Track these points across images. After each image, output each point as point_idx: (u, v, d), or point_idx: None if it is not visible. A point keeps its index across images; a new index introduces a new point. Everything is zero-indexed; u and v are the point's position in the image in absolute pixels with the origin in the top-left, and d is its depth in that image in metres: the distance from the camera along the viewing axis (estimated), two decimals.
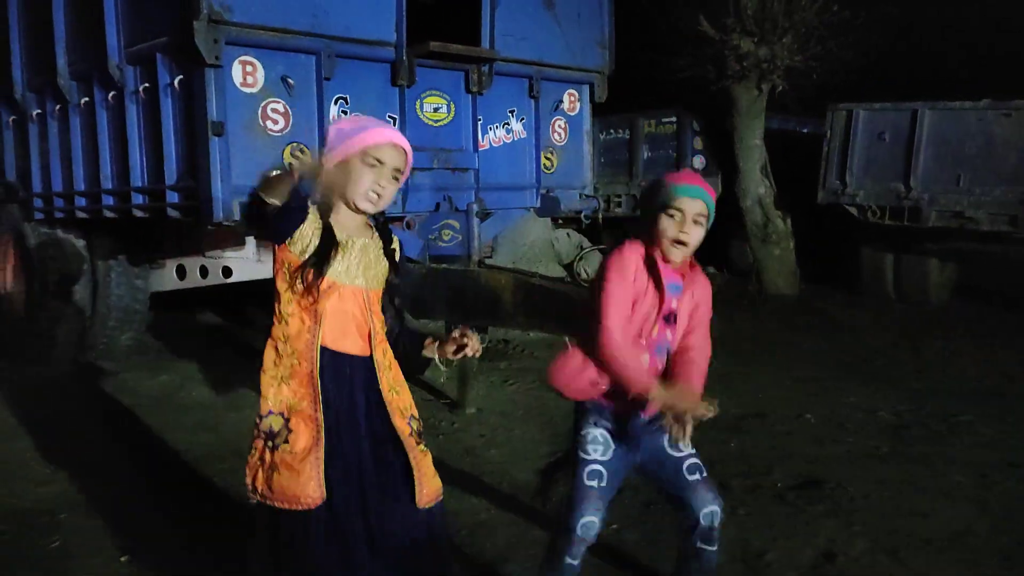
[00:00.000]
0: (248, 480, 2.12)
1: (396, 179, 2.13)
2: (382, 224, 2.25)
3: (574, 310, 4.15)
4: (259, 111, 4.60)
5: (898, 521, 3.31)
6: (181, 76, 4.62)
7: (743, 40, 9.28)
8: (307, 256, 2.05)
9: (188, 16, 4.30)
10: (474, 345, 2.20)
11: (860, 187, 8.64)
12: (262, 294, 2.55)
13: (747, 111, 9.60)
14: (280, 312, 2.11)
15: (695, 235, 2.32)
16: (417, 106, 5.34)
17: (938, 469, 3.91)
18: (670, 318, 2.39)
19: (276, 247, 2.10)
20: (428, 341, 2.29)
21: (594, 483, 2.43)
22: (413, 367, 2.35)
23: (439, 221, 5.45)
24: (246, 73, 4.54)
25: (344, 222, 2.13)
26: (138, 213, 5.21)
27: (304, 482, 2.04)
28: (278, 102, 4.66)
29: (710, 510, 2.43)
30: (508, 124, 5.90)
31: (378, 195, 2.10)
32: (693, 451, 2.46)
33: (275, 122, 4.66)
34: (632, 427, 2.44)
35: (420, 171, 5.35)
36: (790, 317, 7.82)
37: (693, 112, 10.40)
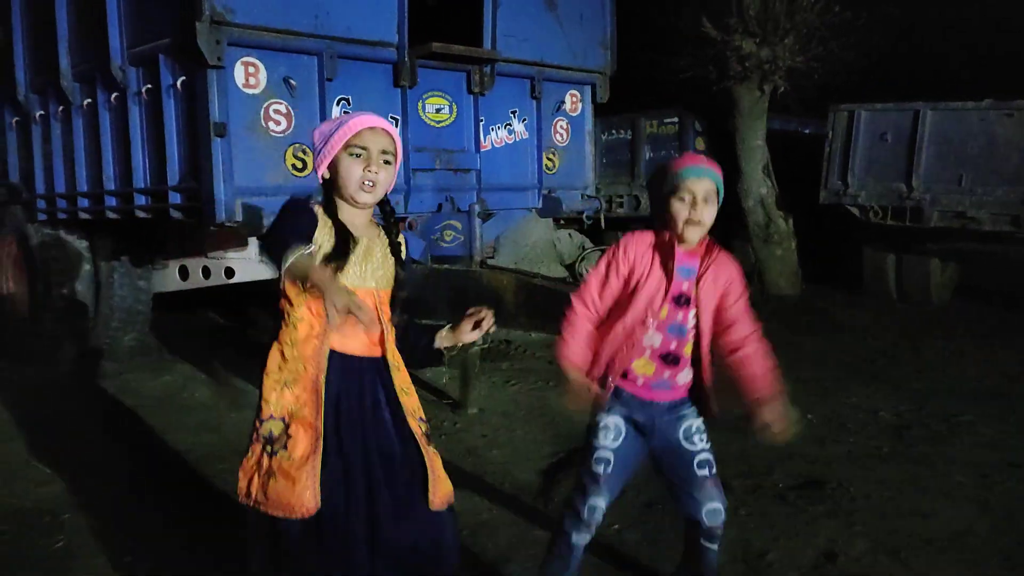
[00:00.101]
0: (242, 484, 2.08)
1: (388, 163, 2.09)
2: (389, 219, 2.22)
3: None
4: (261, 112, 4.61)
5: (899, 521, 3.32)
6: (183, 77, 4.63)
7: (745, 41, 9.28)
8: (323, 259, 2.01)
9: (190, 17, 4.31)
10: (489, 320, 2.20)
11: (862, 187, 8.64)
12: (265, 295, 2.55)
13: (749, 112, 9.60)
14: (289, 316, 2.07)
15: (707, 214, 2.33)
16: (419, 107, 5.36)
17: (939, 469, 3.91)
18: (681, 300, 2.38)
19: None
20: (441, 332, 2.26)
21: (600, 468, 2.46)
22: (422, 360, 2.34)
23: (441, 222, 5.46)
24: (248, 74, 4.56)
25: (347, 224, 2.10)
26: (141, 214, 5.22)
27: (300, 491, 1.99)
28: (280, 103, 4.68)
29: (713, 507, 2.44)
30: (510, 125, 5.91)
31: (372, 183, 2.06)
32: (707, 446, 2.48)
33: (277, 123, 4.67)
34: (650, 413, 2.45)
35: (422, 172, 5.37)
36: (792, 317, 7.81)
37: (695, 113, 10.39)
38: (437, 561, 2.17)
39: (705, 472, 2.45)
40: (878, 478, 3.80)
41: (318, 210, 2.08)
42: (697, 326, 2.41)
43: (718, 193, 2.36)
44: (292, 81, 4.69)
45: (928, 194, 8.20)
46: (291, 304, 2.08)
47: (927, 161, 8.23)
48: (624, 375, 2.44)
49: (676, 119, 10.53)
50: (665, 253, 2.37)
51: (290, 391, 2.06)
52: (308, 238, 1.99)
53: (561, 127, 6.23)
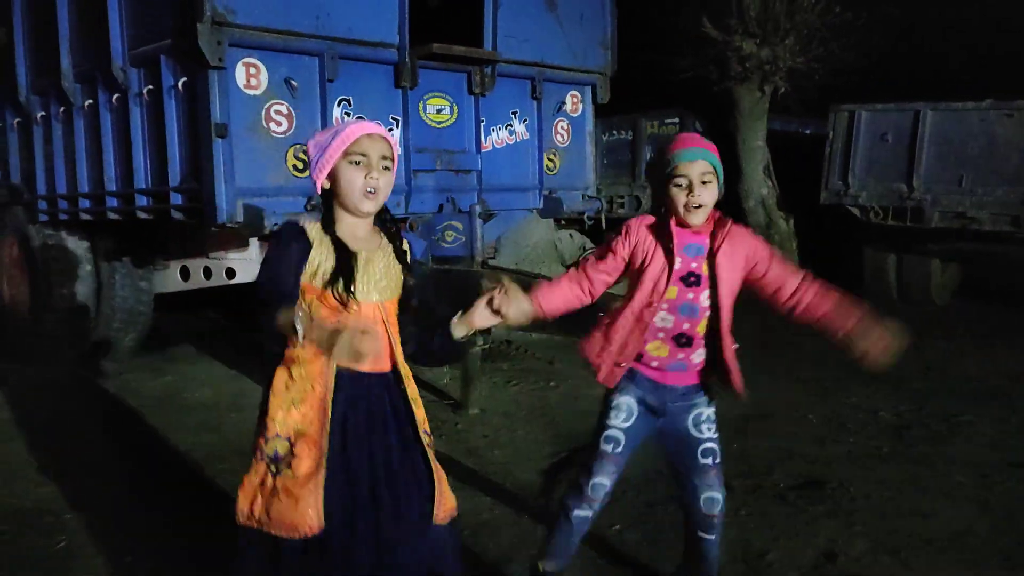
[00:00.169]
0: (243, 505, 2.03)
1: (388, 169, 2.08)
2: (390, 227, 2.20)
3: (576, 310, 4.16)
4: (263, 113, 4.62)
5: (899, 521, 3.32)
6: (185, 78, 4.64)
7: (745, 42, 9.29)
8: (325, 279, 2.00)
9: (192, 18, 4.32)
10: (507, 300, 2.18)
11: (862, 188, 8.64)
12: None
13: (749, 112, 9.61)
14: (297, 335, 2.03)
15: (707, 195, 2.32)
16: (420, 108, 5.36)
17: (939, 469, 3.91)
18: (689, 279, 2.37)
19: None
20: (454, 322, 2.20)
21: (609, 448, 2.49)
22: (444, 356, 2.31)
23: (442, 222, 5.46)
24: (249, 75, 4.56)
25: (349, 236, 2.09)
26: (142, 215, 5.23)
27: (303, 509, 1.97)
28: (281, 104, 4.68)
29: (711, 495, 2.46)
30: (511, 125, 5.92)
31: (375, 190, 2.05)
32: (714, 436, 2.49)
33: (278, 124, 4.68)
34: (663, 397, 2.47)
35: (423, 172, 5.37)
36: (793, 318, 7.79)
37: (696, 113, 10.40)
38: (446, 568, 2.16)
39: (708, 461, 2.47)
40: (878, 478, 3.80)
41: (312, 228, 2.06)
42: (714, 304, 2.38)
43: (716, 172, 2.34)
44: (293, 82, 4.70)
45: (929, 194, 8.20)
46: (300, 323, 2.03)
47: (928, 161, 8.23)
48: (639, 358, 2.46)
49: (677, 119, 10.54)
50: (666, 235, 2.37)
51: (297, 410, 2.03)
52: (297, 276, 2.00)
53: (562, 128, 6.23)
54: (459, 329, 2.20)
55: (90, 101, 5.48)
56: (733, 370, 2.45)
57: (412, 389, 2.15)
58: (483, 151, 5.71)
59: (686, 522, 2.58)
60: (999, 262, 8.73)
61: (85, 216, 5.84)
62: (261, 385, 2.10)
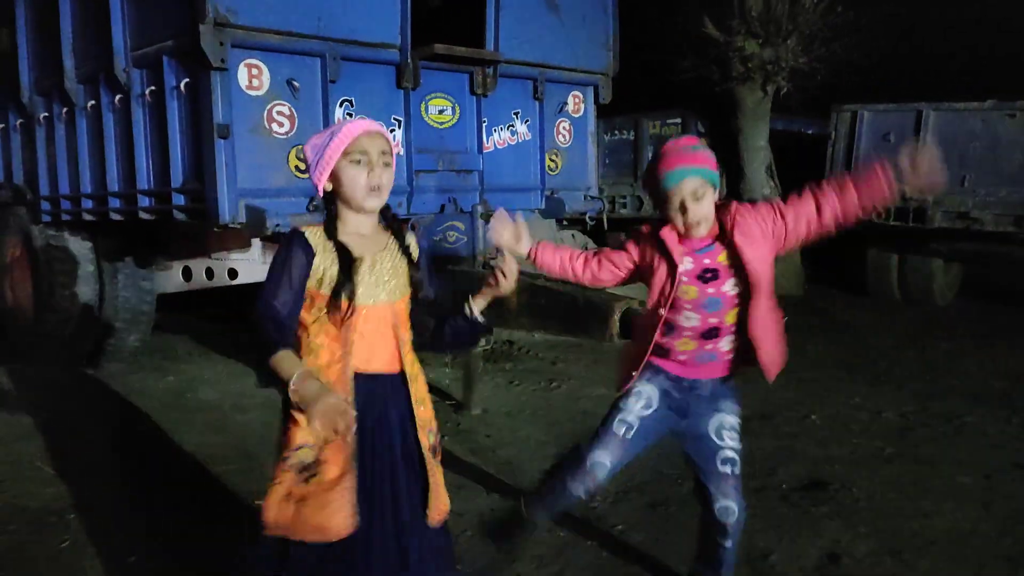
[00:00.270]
0: (271, 515, 2.02)
1: (388, 165, 2.09)
2: (393, 224, 2.20)
3: (578, 310, 4.17)
4: (264, 114, 4.62)
5: (903, 522, 3.32)
6: (187, 79, 4.64)
7: (748, 42, 9.29)
8: (329, 285, 2.02)
9: (194, 19, 4.32)
10: (511, 264, 2.19)
11: None
12: None
13: (752, 112, 9.61)
14: (309, 344, 2.06)
15: (703, 209, 2.32)
16: (422, 108, 5.36)
17: (943, 470, 3.91)
18: (705, 276, 2.36)
19: None
20: (471, 301, 2.22)
21: (620, 431, 2.48)
22: (469, 339, 2.31)
23: (444, 223, 5.46)
24: (251, 76, 4.56)
25: (354, 237, 2.10)
26: (144, 215, 5.23)
27: (332, 513, 1.98)
28: (283, 105, 4.68)
29: (726, 505, 2.45)
30: (512, 126, 5.91)
31: (378, 186, 2.07)
32: (735, 445, 2.47)
33: (280, 124, 4.68)
34: (687, 397, 2.47)
35: (425, 173, 5.37)
36: (795, 318, 7.80)
37: (698, 113, 10.39)
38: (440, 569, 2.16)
39: (727, 469, 2.46)
40: (881, 479, 3.80)
41: (314, 234, 2.06)
42: (744, 288, 2.35)
43: (711, 182, 2.33)
44: (295, 83, 4.70)
45: (931, 195, 8.19)
46: (308, 333, 2.07)
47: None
48: (666, 353, 2.46)
49: (679, 120, 10.53)
50: (667, 243, 2.38)
51: None
52: (300, 292, 2.02)
53: (564, 128, 6.23)
54: (478, 305, 2.22)
55: (93, 102, 5.49)
56: (765, 359, 2.40)
57: (419, 389, 2.16)
58: (485, 151, 5.71)
59: (703, 524, 2.58)
60: (1002, 262, 8.73)
61: (88, 216, 5.84)
62: (278, 393, 2.08)
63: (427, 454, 2.13)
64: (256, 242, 5.71)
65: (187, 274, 6.21)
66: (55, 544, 3.23)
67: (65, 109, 5.80)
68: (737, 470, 2.47)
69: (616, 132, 10.94)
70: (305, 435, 2.01)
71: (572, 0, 5.98)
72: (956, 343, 6.87)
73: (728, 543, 2.52)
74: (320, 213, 2.15)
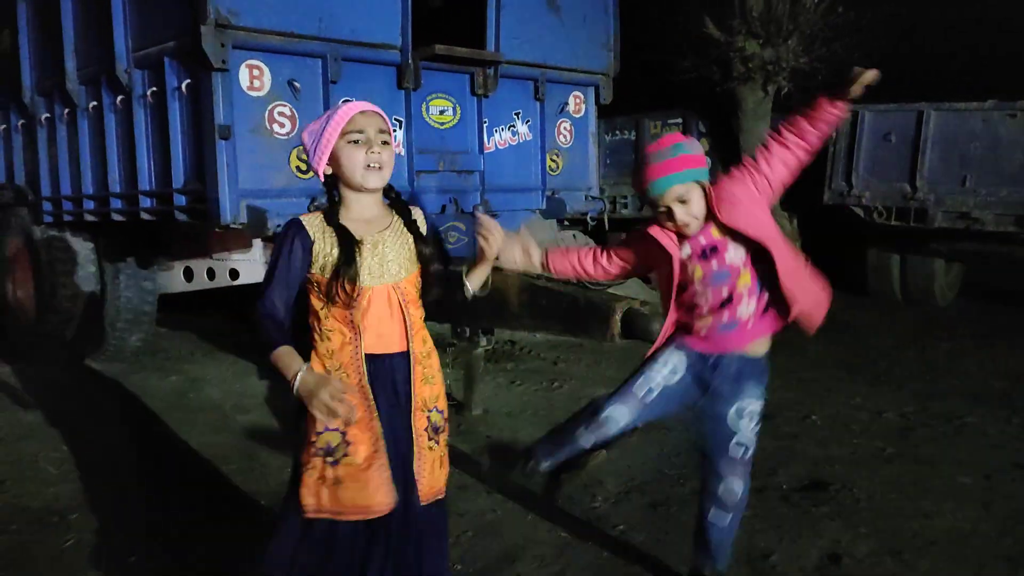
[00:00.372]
0: (309, 500, 2.07)
1: (386, 143, 2.10)
2: (397, 202, 2.21)
3: (579, 311, 4.17)
4: (266, 114, 4.63)
5: (903, 522, 3.32)
6: (188, 80, 4.65)
7: (748, 42, 9.29)
8: (331, 270, 2.05)
9: (195, 21, 4.32)
10: (493, 231, 2.21)
11: (866, 188, 8.64)
12: None
13: (753, 112, 9.61)
14: (320, 329, 2.10)
15: (692, 210, 2.36)
16: (423, 109, 5.37)
17: (944, 471, 3.91)
18: (705, 254, 2.40)
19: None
20: (469, 279, 2.26)
21: (641, 393, 2.50)
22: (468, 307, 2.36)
23: (445, 223, 5.47)
24: (253, 77, 4.57)
25: (357, 219, 2.12)
26: (146, 216, 5.24)
27: (373, 491, 2.05)
28: (285, 105, 4.69)
29: (732, 486, 2.49)
30: (513, 126, 5.92)
31: (379, 164, 2.08)
32: (753, 432, 2.49)
33: (282, 125, 4.69)
34: (711, 374, 2.48)
35: (426, 173, 5.38)
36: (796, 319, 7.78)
37: (698, 113, 10.39)
38: (419, 555, 2.19)
39: (739, 454, 2.48)
40: (882, 479, 3.80)
41: (312, 221, 2.09)
42: (748, 254, 2.38)
43: (696, 181, 2.35)
44: (296, 83, 4.70)
45: (932, 195, 8.20)
46: (319, 318, 2.10)
47: (931, 162, 8.23)
48: (689, 331, 2.49)
49: (680, 120, 10.54)
50: (659, 240, 2.43)
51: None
52: (297, 282, 2.07)
53: (565, 128, 6.23)
54: (476, 281, 2.25)
55: (94, 103, 5.50)
56: (799, 300, 2.39)
57: (428, 367, 2.18)
58: (486, 152, 5.72)
59: (699, 508, 2.60)
60: (1003, 262, 8.73)
61: (89, 217, 5.86)
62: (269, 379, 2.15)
63: (419, 435, 2.15)
64: (258, 243, 5.71)
65: (188, 274, 6.21)
66: (57, 544, 3.24)
67: (67, 110, 5.81)
68: (748, 455, 2.49)
69: (617, 132, 10.95)
70: (327, 419, 2.06)
71: (573, 0, 5.99)
72: (957, 343, 6.87)
73: (724, 523, 2.53)
74: (323, 210, 2.16)
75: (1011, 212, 7.79)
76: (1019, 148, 7.78)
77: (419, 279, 2.17)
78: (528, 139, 5.99)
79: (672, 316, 2.52)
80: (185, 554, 3.13)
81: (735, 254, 2.38)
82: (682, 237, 2.42)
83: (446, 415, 2.25)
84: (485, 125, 5.69)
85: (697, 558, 2.65)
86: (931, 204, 8.17)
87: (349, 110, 2.07)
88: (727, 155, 9.87)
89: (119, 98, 5.23)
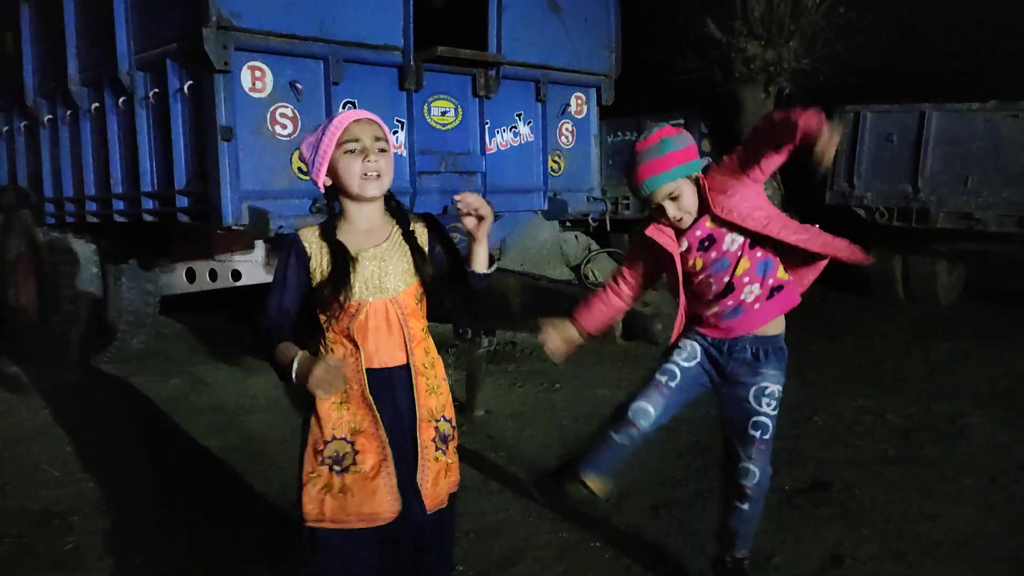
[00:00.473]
0: (311, 508, 2.07)
1: (384, 151, 2.09)
2: (397, 212, 2.19)
3: None
4: (268, 116, 4.63)
5: (906, 525, 3.31)
6: (191, 82, 4.65)
7: (750, 43, 9.30)
8: (327, 284, 2.05)
9: (197, 22, 4.33)
10: (476, 202, 2.10)
11: (868, 189, 8.63)
12: None
13: (754, 113, 9.61)
14: (324, 342, 2.12)
15: (682, 206, 2.40)
16: (425, 110, 5.37)
17: (947, 473, 3.90)
18: (703, 244, 2.43)
19: None
20: (472, 262, 2.17)
21: (663, 379, 2.53)
22: (483, 289, 2.27)
23: (447, 224, 5.46)
24: (255, 78, 4.57)
25: (357, 231, 2.11)
26: (148, 217, 5.24)
27: (380, 499, 2.06)
28: (286, 107, 4.69)
29: (746, 466, 2.50)
30: (515, 127, 5.92)
31: (376, 172, 2.06)
32: (771, 412, 2.49)
33: (284, 127, 4.69)
34: (726, 358, 2.51)
35: (427, 175, 5.38)
36: (797, 319, 7.77)
37: (700, 114, 10.39)
38: (426, 561, 2.20)
39: (757, 433, 2.49)
40: (885, 481, 3.79)
41: (309, 235, 2.09)
42: (746, 238, 2.41)
43: (685, 178, 2.37)
44: (298, 85, 4.71)
45: (934, 195, 8.19)
46: (323, 331, 2.12)
47: (933, 162, 8.22)
48: (700, 321, 2.54)
49: (682, 121, 10.51)
50: (657, 240, 2.47)
51: (347, 410, 2.09)
52: (300, 296, 2.08)
53: (566, 129, 6.23)
54: (480, 263, 2.17)
55: (96, 104, 5.50)
56: (813, 246, 2.43)
57: (431, 378, 2.18)
58: (487, 153, 5.71)
59: (722, 490, 2.63)
60: (1005, 263, 8.72)
61: (91, 219, 5.86)
62: (288, 395, 2.15)
63: (424, 446, 2.14)
64: (260, 244, 5.71)
65: (191, 276, 6.22)
66: (59, 546, 3.24)
67: (69, 112, 5.82)
68: (767, 436, 2.50)
69: (619, 133, 10.94)
70: (336, 428, 2.08)
71: (574, 2, 5.99)
72: (959, 344, 6.86)
73: (746, 506, 2.54)
74: (324, 214, 2.15)
75: (1013, 213, 7.78)
76: (1021, 149, 7.77)
77: (419, 290, 2.15)
78: (530, 140, 5.99)
79: (682, 309, 2.55)
80: (187, 556, 3.13)
81: (732, 242, 2.42)
82: (679, 232, 2.45)
83: (455, 423, 2.25)
84: (487, 126, 5.69)
85: (719, 545, 2.68)
86: (933, 205, 8.16)
87: (344, 119, 2.07)
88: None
89: (121, 100, 5.23)
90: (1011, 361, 6.22)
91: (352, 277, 2.05)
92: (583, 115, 6.33)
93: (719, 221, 2.40)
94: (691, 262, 2.46)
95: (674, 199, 2.37)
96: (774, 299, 2.47)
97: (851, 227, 8.90)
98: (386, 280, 2.09)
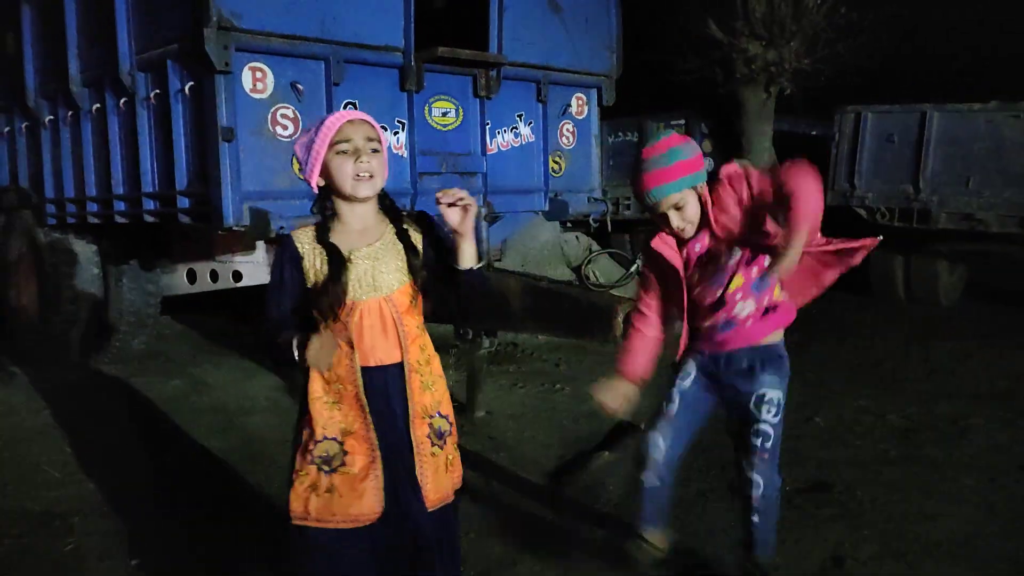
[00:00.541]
0: (297, 507, 2.09)
1: (377, 151, 2.09)
2: (390, 210, 2.19)
3: (581, 312, 4.17)
4: (269, 117, 4.63)
5: (907, 525, 3.31)
6: (191, 82, 4.65)
7: (751, 43, 9.29)
8: (320, 284, 2.06)
9: (198, 23, 4.33)
10: (461, 196, 2.07)
11: (869, 189, 8.63)
12: None
13: (756, 114, 9.61)
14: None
15: (686, 216, 2.40)
16: (425, 111, 5.37)
17: (947, 473, 3.90)
18: (702, 259, 2.45)
19: None
20: (459, 257, 2.12)
21: (666, 407, 2.58)
22: (480, 288, 2.20)
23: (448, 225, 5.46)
24: (256, 79, 4.57)
25: (350, 231, 2.12)
26: (149, 218, 5.25)
27: (366, 501, 2.07)
28: (287, 108, 4.69)
29: (751, 477, 2.50)
30: (516, 128, 5.92)
31: (368, 173, 2.07)
32: (773, 420, 2.48)
33: (284, 127, 4.69)
34: (718, 368, 2.53)
35: (428, 175, 5.38)
36: (799, 320, 7.76)
37: (701, 114, 10.39)
38: (435, 562, 2.19)
39: (758, 442, 2.49)
40: (885, 481, 3.79)
41: (302, 236, 2.11)
42: (744, 254, 2.41)
43: (689, 189, 2.37)
44: (299, 86, 4.70)
45: (935, 196, 8.19)
46: (319, 331, 2.10)
47: (934, 163, 8.22)
48: (698, 334, 2.55)
49: (683, 121, 10.54)
50: (663, 254, 2.49)
51: (339, 411, 2.11)
52: (296, 294, 2.10)
53: (567, 130, 6.23)
54: (467, 256, 2.13)
55: (98, 105, 5.51)
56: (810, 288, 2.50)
57: (426, 375, 2.18)
58: (488, 154, 5.71)
59: (738, 503, 2.64)
60: (1007, 263, 8.71)
61: (92, 219, 5.87)
62: (290, 394, 2.16)
63: (420, 442, 2.14)
64: (261, 245, 5.71)
65: (192, 277, 6.22)
66: (59, 547, 3.24)
67: (70, 112, 5.82)
68: (768, 444, 2.49)
69: (620, 134, 10.95)
70: (327, 429, 2.09)
71: (575, 2, 5.98)
72: (960, 344, 6.85)
73: (755, 518, 2.54)
74: (321, 213, 2.16)
75: (1014, 213, 7.78)
76: (1022, 149, 7.77)
77: (413, 289, 2.15)
78: (531, 141, 5.99)
79: (685, 324, 2.56)
80: (187, 558, 3.13)
81: (729, 258, 2.43)
82: (682, 243, 2.47)
83: (452, 418, 2.25)
84: (488, 127, 5.68)
85: (743, 550, 2.67)
86: (934, 205, 8.16)
87: (336, 120, 2.07)
88: (730, 156, 9.88)
89: (122, 100, 5.23)
90: (1011, 361, 6.21)
91: (345, 277, 2.06)
92: (584, 115, 6.33)
93: (718, 236, 2.42)
94: (689, 273, 2.48)
95: (679, 209, 2.38)
96: (768, 317, 2.49)
97: (852, 227, 8.92)
98: (379, 279, 2.10)
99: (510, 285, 4.78)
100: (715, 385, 2.56)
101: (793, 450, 4.22)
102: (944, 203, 8.13)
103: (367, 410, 2.09)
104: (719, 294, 2.45)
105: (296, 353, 1.97)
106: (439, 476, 2.18)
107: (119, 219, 5.55)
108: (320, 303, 2.07)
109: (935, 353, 6.57)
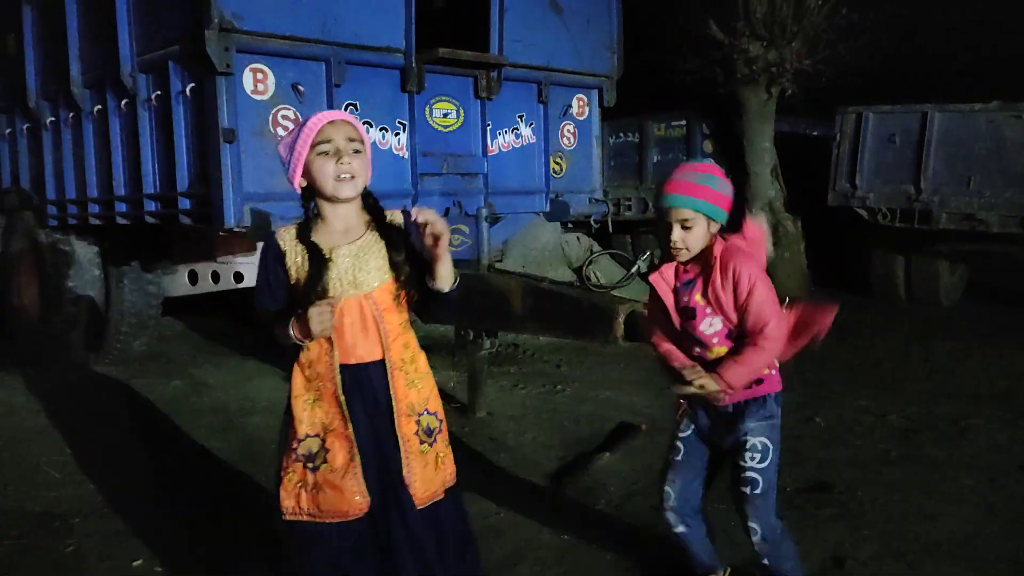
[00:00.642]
0: (288, 503, 2.14)
1: (359, 152, 2.09)
2: (373, 208, 2.19)
3: (583, 313, 4.16)
4: (270, 118, 4.63)
5: (907, 525, 3.31)
6: (193, 84, 4.66)
7: (752, 44, 9.28)
8: (301, 282, 2.10)
9: (199, 24, 4.34)
10: (432, 218, 2.06)
11: (870, 189, 8.63)
12: None
13: (757, 114, 9.60)
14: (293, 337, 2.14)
15: (687, 240, 2.35)
16: (426, 112, 5.37)
17: (948, 473, 3.90)
18: (685, 313, 2.41)
19: None
20: (436, 277, 2.13)
21: (671, 455, 2.62)
22: (448, 309, 2.25)
23: (449, 226, 5.46)
24: (257, 80, 4.58)
25: (333, 230, 2.13)
26: (150, 219, 5.25)
27: (349, 497, 2.10)
28: (288, 109, 4.70)
29: (746, 526, 2.48)
30: (517, 129, 5.92)
31: (350, 174, 2.07)
32: (758, 465, 2.44)
33: (285, 129, 4.69)
34: (706, 418, 2.54)
35: (429, 176, 5.39)
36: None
37: (703, 115, 10.38)
38: (451, 562, 2.22)
39: (747, 490, 2.45)
40: (886, 481, 3.79)
41: (285, 235, 2.13)
42: (726, 328, 2.38)
43: (703, 214, 2.32)
44: (300, 87, 4.71)
45: (936, 196, 8.19)
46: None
47: (935, 163, 8.22)
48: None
49: (684, 122, 10.53)
50: (657, 289, 2.47)
51: (320, 408, 2.14)
52: (282, 288, 2.13)
53: (568, 131, 6.23)
54: (443, 279, 2.14)
55: (99, 106, 5.52)
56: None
57: (411, 372, 2.18)
58: (489, 155, 5.72)
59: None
60: (1008, 263, 8.71)
61: (94, 221, 5.87)
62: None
63: (407, 439, 2.15)
64: (261, 246, 5.71)
65: (193, 278, 6.23)
66: (60, 548, 3.24)
67: (71, 114, 5.83)
68: (758, 491, 2.44)
69: (621, 134, 10.94)
70: (308, 426, 2.13)
71: (576, 3, 5.99)
72: (961, 345, 6.85)
73: (765, 561, 2.52)
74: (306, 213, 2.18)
75: (1015, 213, 7.78)
76: (1023, 149, 7.76)
77: (395, 286, 2.15)
78: (532, 142, 5.99)
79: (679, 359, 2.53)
80: (187, 558, 3.14)
81: (708, 326, 2.39)
82: (677, 291, 2.43)
83: (440, 415, 2.26)
84: (489, 128, 5.69)
85: None
86: (935, 206, 8.16)
87: (318, 121, 2.07)
88: (731, 157, 9.88)
89: (123, 102, 5.24)
90: (1012, 361, 6.21)
91: (326, 276, 2.07)
92: (585, 116, 6.33)
93: (704, 298, 2.37)
94: (677, 320, 2.44)
95: (685, 228, 2.33)
96: (751, 387, 2.43)
97: (853, 228, 8.93)
98: (360, 277, 2.11)
99: (511, 286, 4.78)
100: (707, 432, 2.56)
101: (793, 450, 4.22)
102: (945, 203, 8.13)
103: (345, 407, 2.11)
104: (696, 352, 2.43)
105: (297, 329, 2.02)
106: (427, 473, 2.19)
107: (120, 220, 5.56)
108: (301, 300, 2.08)
109: (935, 353, 6.57)
